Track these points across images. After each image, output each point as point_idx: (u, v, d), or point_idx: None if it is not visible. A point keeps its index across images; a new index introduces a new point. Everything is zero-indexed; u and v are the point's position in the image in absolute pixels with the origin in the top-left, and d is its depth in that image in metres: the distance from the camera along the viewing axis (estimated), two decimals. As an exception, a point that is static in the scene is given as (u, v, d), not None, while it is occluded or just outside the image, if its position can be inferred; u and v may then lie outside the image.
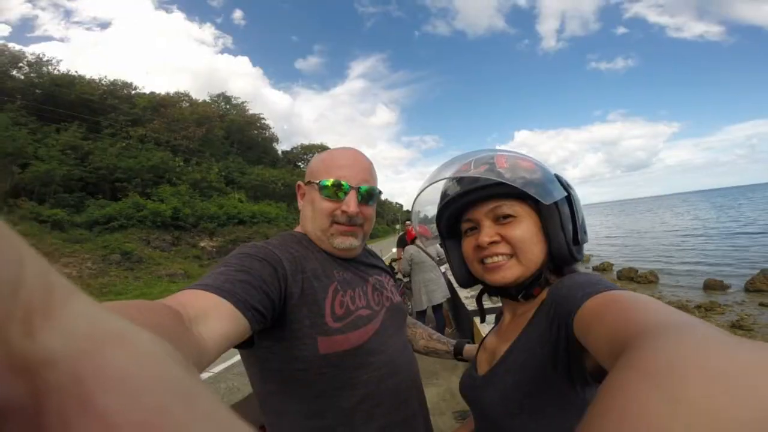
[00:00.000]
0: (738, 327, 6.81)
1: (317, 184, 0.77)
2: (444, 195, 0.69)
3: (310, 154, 45.53)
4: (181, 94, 29.87)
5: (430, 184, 0.69)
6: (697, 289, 10.30)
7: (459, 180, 0.65)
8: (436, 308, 4.20)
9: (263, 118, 37.03)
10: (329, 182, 0.76)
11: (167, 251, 15.91)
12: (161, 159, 20.82)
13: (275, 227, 21.58)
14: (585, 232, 0.64)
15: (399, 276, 4.58)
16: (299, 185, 0.86)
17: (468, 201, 0.64)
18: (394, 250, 6.89)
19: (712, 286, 10.16)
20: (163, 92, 28.65)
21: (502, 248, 0.61)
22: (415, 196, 0.75)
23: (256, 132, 35.52)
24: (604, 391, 0.24)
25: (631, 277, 12.54)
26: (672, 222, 33.31)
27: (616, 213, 78.28)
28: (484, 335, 0.77)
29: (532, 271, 0.61)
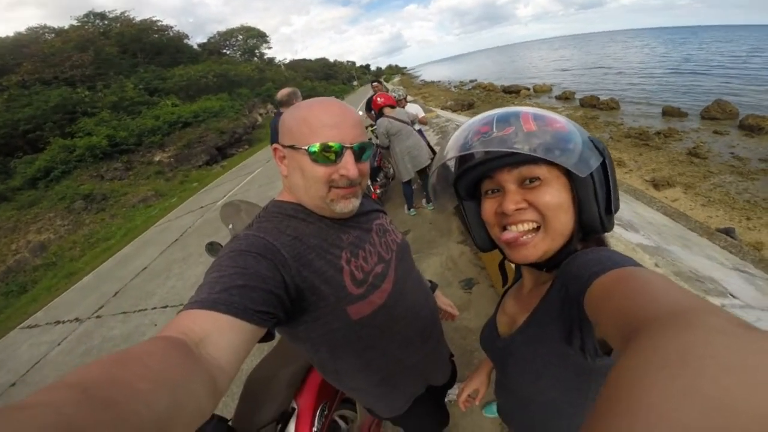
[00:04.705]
0: (694, 155, 7.08)
1: (305, 149, 0.69)
2: (462, 155, 0.60)
3: (233, 39, 40.27)
4: (37, 27, 24.09)
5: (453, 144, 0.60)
6: (656, 117, 10.49)
7: (485, 137, 0.55)
8: (422, 171, 4.08)
9: (158, 21, 30.64)
10: (319, 146, 0.68)
11: (125, 179, 14.92)
12: (60, 96, 17.64)
13: (224, 119, 20.05)
14: (618, 199, 0.58)
15: (374, 143, 4.46)
16: (276, 148, 0.76)
17: (492, 166, 0.57)
18: (362, 113, 6.64)
19: (670, 112, 10.36)
20: (11, 33, 23.00)
21: (529, 215, 0.55)
22: (442, 151, 0.64)
23: (157, 36, 29.75)
24: (613, 381, 0.23)
25: (593, 105, 12.86)
26: (627, 57, 32.81)
27: (570, 47, 76.43)
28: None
29: (560, 245, 0.56)
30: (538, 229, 0.56)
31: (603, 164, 0.55)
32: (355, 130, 0.73)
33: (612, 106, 12.32)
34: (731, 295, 1.53)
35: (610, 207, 0.57)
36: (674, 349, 0.23)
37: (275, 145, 0.77)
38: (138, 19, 29.58)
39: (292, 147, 0.71)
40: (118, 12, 29.29)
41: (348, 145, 0.71)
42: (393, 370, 0.88)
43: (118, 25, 27.92)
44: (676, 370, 0.21)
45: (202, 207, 9.02)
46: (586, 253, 0.50)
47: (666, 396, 0.19)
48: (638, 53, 35.88)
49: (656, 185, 6.02)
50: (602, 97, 13.22)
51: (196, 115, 19.60)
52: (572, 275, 0.48)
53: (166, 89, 22.79)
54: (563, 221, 0.55)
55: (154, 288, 5.08)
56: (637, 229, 2.59)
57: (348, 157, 0.71)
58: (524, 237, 0.56)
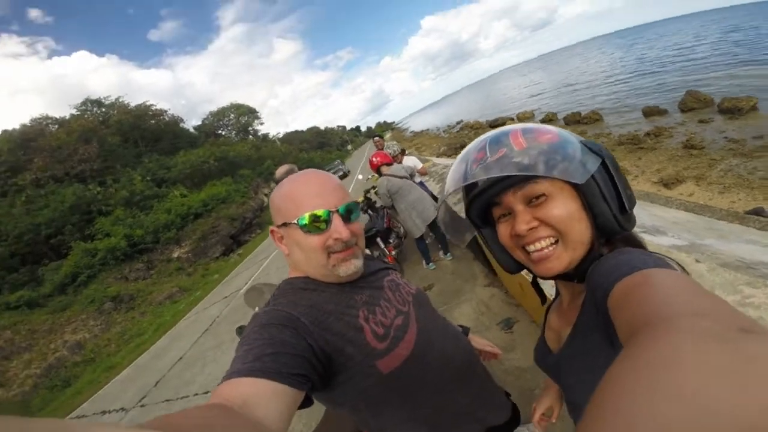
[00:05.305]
0: (690, 147, 7.21)
1: (296, 224, 0.73)
2: (467, 184, 0.60)
3: (226, 118, 41.18)
4: (40, 118, 24.99)
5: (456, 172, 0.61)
6: (638, 120, 10.83)
7: (482, 163, 0.56)
8: (434, 224, 3.90)
9: (152, 105, 31.93)
10: (308, 217, 0.72)
11: (148, 278, 15.29)
12: (74, 194, 18.46)
13: (232, 203, 20.66)
14: (630, 196, 0.56)
15: (380, 204, 4.44)
16: (272, 230, 0.81)
17: (495, 191, 0.57)
18: (360, 176, 6.70)
19: (650, 112, 10.69)
20: (16, 126, 23.74)
21: (543, 231, 0.55)
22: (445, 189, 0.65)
23: (153, 122, 30.89)
24: (602, 386, 0.24)
25: (577, 120, 13.28)
26: (590, 69, 34.59)
27: (536, 70, 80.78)
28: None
29: (582, 254, 0.55)
30: (557, 242, 0.56)
31: (604, 165, 0.54)
32: (338, 194, 0.77)
33: (595, 118, 12.66)
34: (796, 275, 1.41)
35: (623, 205, 0.55)
36: (659, 354, 0.23)
37: (271, 228, 0.81)
38: (133, 104, 30.66)
39: (284, 225, 0.76)
40: (113, 98, 30.30)
41: (334, 210, 0.74)
42: (439, 419, 0.85)
43: (115, 111, 28.99)
44: (660, 373, 0.21)
45: (226, 297, 9.13)
46: (608, 259, 0.50)
47: (649, 398, 0.20)
48: (598, 63, 37.38)
49: (666, 184, 6.05)
50: (583, 112, 13.62)
51: (205, 204, 20.23)
52: (597, 284, 0.48)
53: (172, 178, 23.66)
54: (579, 230, 0.54)
55: (193, 376, 5.06)
56: (664, 231, 2.58)
57: (336, 221, 0.74)
58: (546, 250, 0.56)
